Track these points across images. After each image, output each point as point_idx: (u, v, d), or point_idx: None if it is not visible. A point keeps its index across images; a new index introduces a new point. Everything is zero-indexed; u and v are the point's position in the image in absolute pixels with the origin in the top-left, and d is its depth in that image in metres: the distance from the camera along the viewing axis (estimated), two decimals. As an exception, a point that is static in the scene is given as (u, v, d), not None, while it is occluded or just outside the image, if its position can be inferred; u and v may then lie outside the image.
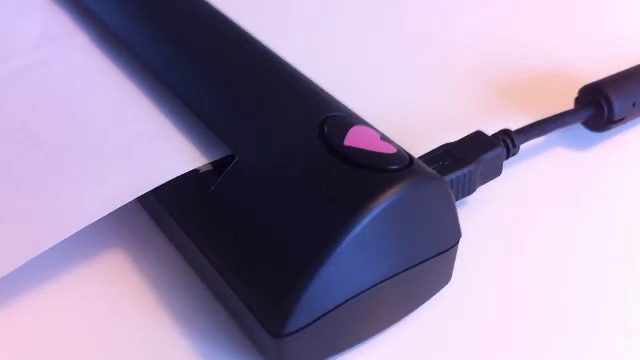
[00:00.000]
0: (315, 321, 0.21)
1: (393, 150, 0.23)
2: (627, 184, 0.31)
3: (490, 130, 0.30)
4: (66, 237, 0.24)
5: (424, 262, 0.23)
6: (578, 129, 0.34)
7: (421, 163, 0.23)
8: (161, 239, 0.28)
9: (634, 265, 0.27)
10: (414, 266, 0.23)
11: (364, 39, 0.42)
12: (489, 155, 0.28)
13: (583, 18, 0.44)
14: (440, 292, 0.26)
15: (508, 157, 0.30)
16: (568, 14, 0.45)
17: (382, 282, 0.22)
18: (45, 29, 0.34)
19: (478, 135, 0.29)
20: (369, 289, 0.22)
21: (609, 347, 0.24)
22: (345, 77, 0.38)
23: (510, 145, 0.29)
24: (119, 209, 0.24)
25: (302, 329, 0.21)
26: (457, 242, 0.25)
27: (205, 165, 0.25)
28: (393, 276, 0.23)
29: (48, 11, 0.35)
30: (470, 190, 0.28)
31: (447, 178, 0.27)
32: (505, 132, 0.30)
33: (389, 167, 0.22)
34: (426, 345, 0.24)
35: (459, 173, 0.27)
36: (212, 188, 0.24)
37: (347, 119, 0.24)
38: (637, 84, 0.33)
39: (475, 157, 0.28)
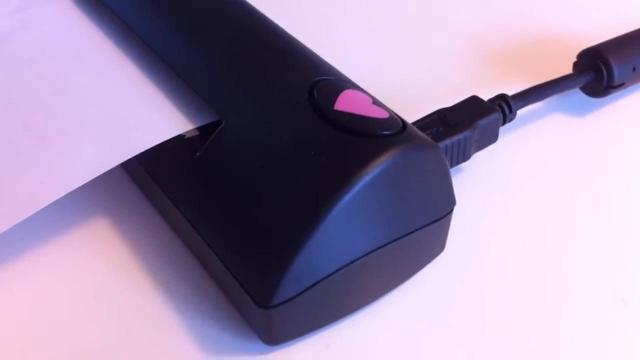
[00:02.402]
0: (303, 292, 0.20)
1: (385, 115, 0.22)
2: (626, 151, 0.31)
3: (486, 96, 0.29)
4: (49, 203, 0.23)
5: (416, 231, 0.23)
6: (576, 94, 0.33)
7: (414, 128, 0.22)
8: (146, 206, 0.27)
9: (632, 235, 0.27)
10: (406, 235, 0.23)
11: (360, 5, 0.41)
12: (485, 120, 0.28)
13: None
14: (434, 260, 0.25)
15: (504, 122, 0.29)
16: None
17: (373, 251, 0.22)
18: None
19: (473, 100, 0.29)
20: (359, 259, 0.21)
21: (606, 317, 0.24)
22: (340, 44, 0.37)
23: (507, 111, 0.29)
24: (103, 175, 0.23)
25: (290, 299, 0.20)
26: (451, 210, 0.24)
27: (191, 130, 0.24)
28: (384, 245, 0.22)
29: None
30: (465, 157, 0.28)
31: (442, 144, 0.26)
32: (501, 97, 0.29)
33: (381, 133, 0.21)
34: (419, 315, 0.24)
35: (453, 139, 0.27)
36: (198, 154, 0.23)
37: (338, 83, 0.24)
38: (637, 48, 0.32)
39: (471, 122, 0.27)
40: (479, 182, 0.29)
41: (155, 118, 0.25)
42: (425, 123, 0.27)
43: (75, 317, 0.24)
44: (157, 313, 0.24)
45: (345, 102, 0.23)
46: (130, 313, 0.24)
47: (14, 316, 0.24)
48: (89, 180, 0.23)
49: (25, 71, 0.29)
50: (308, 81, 0.23)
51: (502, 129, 0.29)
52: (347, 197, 0.20)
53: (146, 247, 0.26)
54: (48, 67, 0.29)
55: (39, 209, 0.23)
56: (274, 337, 0.22)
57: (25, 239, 0.26)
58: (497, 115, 0.28)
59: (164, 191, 0.25)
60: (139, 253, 0.26)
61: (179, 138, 0.24)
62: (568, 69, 0.33)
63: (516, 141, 0.31)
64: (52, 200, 0.23)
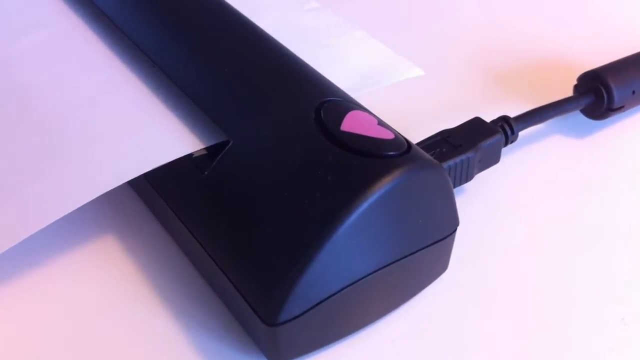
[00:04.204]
0: (309, 310, 0.21)
1: (390, 136, 0.23)
2: (626, 172, 0.31)
3: (489, 117, 0.29)
4: (56, 219, 0.23)
5: (420, 250, 0.23)
6: (577, 116, 0.33)
7: (419, 149, 0.23)
8: (154, 223, 0.28)
9: (632, 255, 0.27)
10: (410, 254, 0.23)
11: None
12: (487, 142, 0.28)
13: (582, 5, 0.44)
14: (437, 280, 0.25)
15: (506, 144, 0.29)
16: (568, 1, 0.44)
17: (378, 270, 0.22)
18: (37, 10, 0.34)
19: (476, 122, 0.29)
20: (364, 277, 0.22)
21: (606, 336, 0.24)
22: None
23: (509, 132, 0.29)
24: (111, 192, 0.24)
25: (296, 317, 0.21)
26: (455, 230, 0.24)
27: (199, 149, 0.24)
28: (389, 264, 0.22)
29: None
30: (467, 178, 0.28)
31: (445, 165, 0.26)
32: (503, 119, 0.29)
33: (386, 153, 0.22)
34: (422, 333, 0.24)
35: (456, 160, 0.27)
36: (206, 172, 0.23)
37: (344, 104, 0.24)
38: (637, 71, 0.33)
39: (473, 143, 0.28)
40: (482, 202, 0.29)
41: (165, 137, 0.25)
42: (429, 144, 0.27)
43: (81, 331, 0.24)
44: (162, 329, 0.24)
45: (351, 123, 0.23)
46: (136, 329, 0.24)
47: (20, 330, 0.24)
48: (97, 196, 0.23)
49: (35, 89, 0.29)
50: (315, 102, 0.24)
51: (504, 150, 0.29)
52: (353, 217, 0.20)
53: (152, 263, 0.26)
54: (57, 85, 0.29)
55: (47, 224, 0.23)
56: (279, 355, 0.22)
57: (32, 254, 0.26)
58: (499, 137, 0.28)
59: (171, 208, 0.25)
60: (145, 269, 0.26)
61: (187, 156, 0.24)
62: (569, 92, 0.33)
63: (518, 162, 0.31)
64: (59, 216, 0.23)
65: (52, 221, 0.23)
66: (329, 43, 0.33)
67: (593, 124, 0.33)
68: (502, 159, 0.29)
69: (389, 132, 0.23)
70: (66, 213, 0.23)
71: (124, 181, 0.24)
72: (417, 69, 0.32)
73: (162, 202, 0.25)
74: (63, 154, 0.26)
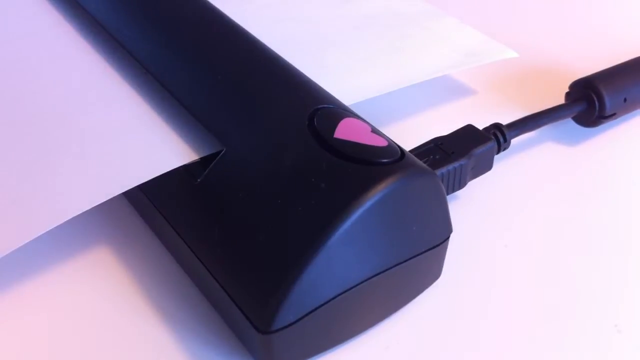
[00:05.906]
0: (303, 317, 0.21)
1: (384, 143, 0.23)
2: (617, 180, 0.31)
3: (481, 124, 0.29)
4: (50, 228, 0.23)
5: (414, 257, 0.23)
6: (569, 124, 0.34)
7: (412, 156, 0.23)
8: (146, 233, 0.27)
9: (625, 262, 0.27)
10: (404, 261, 0.23)
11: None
12: (480, 149, 0.28)
13: (574, 12, 0.44)
14: (430, 287, 0.25)
15: (499, 151, 0.29)
16: (560, 8, 0.44)
17: (371, 277, 0.22)
18: (30, 19, 0.34)
19: (469, 129, 0.29)
20: (358, 285, 0.22)
21: (599, 343, 0.24)
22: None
23: (501, 140, 0.29)
24: (104, 202, 0.23)
25: (290, 325, 0.21)
26: (448, 237, 0.24)
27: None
28: (383, 271, 0.22)
29: (33, 1, 0.35)
30: (460, 185, 0.28)
31: (438, 172, 0.26)
32: (496, 126, 0.29)
33: (379, 160, 0.22)
34: (416, 340, 0.24)
35: (449, 167, 0.27)
36: (199, 180, 0.23)
37: (337, 111, 0.24)
38: (629, 79, 0.33)
39: (466, 151, 0.28)
40: (475, 209, 0.29)
41: (159, 147, 0.25)
42: (422, 151, 0.27)
43: (74, 340, 0.24)
44: (155, 337, 0.24)
45: (344, 130, 0.23)
46: (130, 338, 0.24)
47: (13, 338, 0.24)
48: (92, 206, 0.23)
49: (26, 99, 0.29)
50: (308, 109, 0.24)
51: (496, 157, 0.29)
52: (347, 224, 0.20)
53: (145, 271, 0.26)
54: (49, 95, 0.29)
55: (39, 234, 0.23)
56: (273, 363, 0.22)
57: (25, 265, 0.26)
58: (492, 144, 0.28)
59: (164, 216, 0.25)
60: (137, 277, 0.26)
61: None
62: (561, 99, 0.33)
63: (510, 169, 0.31)
64: (52, 227, 0.23)
65: (44, 231, 0.23)
66: (428, 26, 0.35)
67: (585, 131, 0.34)
68: (495, 166, 0.29)
69: (383, 139, 0.23)
70: (58, 224, 0.23)
71: (119, 192, 0.24)
72: (511, 51, 0.34)
73: (154, 208, 0.25)
74: (55, 164, 0.25)
